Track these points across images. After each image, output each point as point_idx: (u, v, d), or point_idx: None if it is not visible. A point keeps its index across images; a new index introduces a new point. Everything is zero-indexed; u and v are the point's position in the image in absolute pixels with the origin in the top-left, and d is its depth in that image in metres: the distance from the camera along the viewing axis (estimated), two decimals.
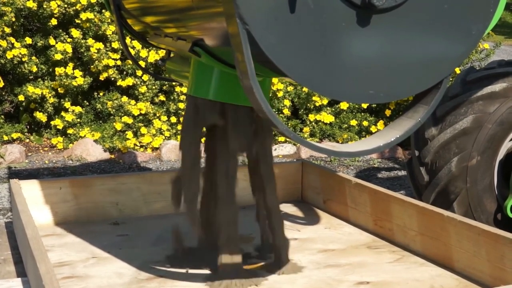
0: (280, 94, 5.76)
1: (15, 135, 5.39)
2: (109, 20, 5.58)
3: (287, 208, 3.29)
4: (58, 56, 5.42)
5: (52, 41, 5.49)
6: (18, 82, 5.60)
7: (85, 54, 5.50)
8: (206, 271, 2.41)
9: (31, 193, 2.93)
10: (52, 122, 5.49)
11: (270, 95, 5.75)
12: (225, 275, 2.30)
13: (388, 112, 5.94)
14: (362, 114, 5.93)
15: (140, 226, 2.94)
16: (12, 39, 5.40)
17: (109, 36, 5.57)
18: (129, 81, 5.55)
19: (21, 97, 5.43)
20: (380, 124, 5.87)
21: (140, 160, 5.17)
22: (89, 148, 5.20)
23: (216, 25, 1.90)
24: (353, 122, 5.82)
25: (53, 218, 2.97)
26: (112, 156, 5.23)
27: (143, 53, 5.54)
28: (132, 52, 5.52)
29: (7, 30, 5.35)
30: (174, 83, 5.55)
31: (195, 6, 1.93)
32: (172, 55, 2.94)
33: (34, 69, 5.46)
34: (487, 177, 3.06)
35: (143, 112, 5.47)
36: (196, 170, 2.36)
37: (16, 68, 5.46)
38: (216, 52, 2.10)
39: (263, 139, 2.40)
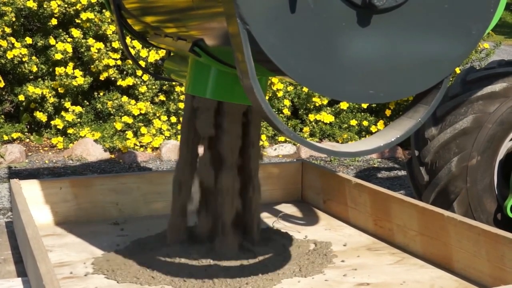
0: (280, 94, 5.76)
1: (15, 135, 5.39)
2: (109, 20, 5.58)
3: (287, 208, 3.29)
4: (58, 56, 5.42)
5: (52, 41, 5.50)
6: (18, 82, 5.60)
7: (85, 54, 5.50)
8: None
9: (31, 193, 2.93)
10: (52, 122, 5.49)
11: (270, 95, 5.77)
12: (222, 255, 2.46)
13: (388, 112, 5.94)
14: (362, 114, 5.93)
15: (140, 226, 2.94)
16: (12, 39, 5.40)
17: (109, 36, 5.57)
18: (129, 81, 5.55)
19: (21, 97, 5.43)
20: (380, 124, 5.88)
21: (140, 160, 5.17)
22: (89, 148, 5.20)
23: (216, 25, 1.90)
24: (353, 122, 5.83)
25: (53, 218, 2.97)
26: (112, 156, 5.23)
27: (143, 53, 5.55)
28: (132, 52, 5.52)
29: (8, 30, 5.35)
30: (174, 83, 5.55)
31: (195, 6, 1.93)
32: (172, 54, 2.94)
33: (34, 69, 5.46)
34: (487, 177, 3.06)
35: (143, 112, 5.47)
36: (191, 166, 2.53)
37: (16, 68, 5.46)
38: (216, 52, 2.10)
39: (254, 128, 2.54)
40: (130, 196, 3.10)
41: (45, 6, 5.45)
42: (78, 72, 5.47)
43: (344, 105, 5.86)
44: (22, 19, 5.58)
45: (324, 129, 5.79)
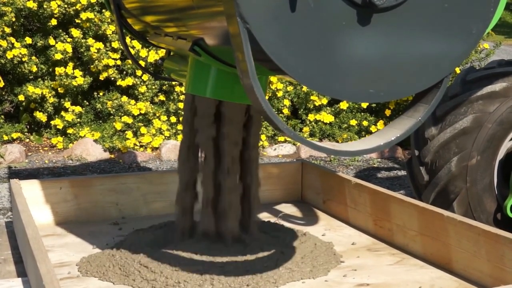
0: (279, 94, 5.76)
1: (15, 135, 5.38)
2: (109, 20, 5.58)
3: (287, 208, 3.29)
4: (58, 56, 5.42)
5: (52, 41, 5.49)
6: (18, 82, 5.60)
7: (85, 54, 5.50)
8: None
9: (31, 193, 2.93)
10: (52, 122, 5.49)
11: (270, 95, 5.77)
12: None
13: (388, 112, 5.94)
14: (362, 114, 5.93)
15: (140, 226, 2.94)
16: (12, 39, 5.40)
17: (109, 35, 5.57)
18: (129, 81, 5.55)
19: (21, 97, 5.43)
20: (380, 123, 5.87)
21: (140, 160, 5.17)
22: (89, 148, 5.20)
23: (216, 24, 1.90)
24: (353, 122, 5.82)
25: (53, 218, 2.97)
26: (112, 156, 5.23)
27: (143, 52, 5.54)
28: (132, 51, 5.52)
29: (7, 30, 5.35)
30: (174, 83, 5.55)
31: (195, 5, 1.93)
32: (171, 54, 2.94)
33: (34, 69, 5.45)
34: (487, 177, 3.06)
35: (143, 112, 5.47)
36: (191, 162, 2.55)
37: (16, 68, 5.46)
38: (216, 51, 2.10)
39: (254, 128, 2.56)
40: (130, 196, 3.10)
41: (45, 6, 5.45)
42: (78, 72, 5.47)
43: (344, 105, 5.86)
44: (22, 19, 5.58)
45: (324, 129, 5.79)
